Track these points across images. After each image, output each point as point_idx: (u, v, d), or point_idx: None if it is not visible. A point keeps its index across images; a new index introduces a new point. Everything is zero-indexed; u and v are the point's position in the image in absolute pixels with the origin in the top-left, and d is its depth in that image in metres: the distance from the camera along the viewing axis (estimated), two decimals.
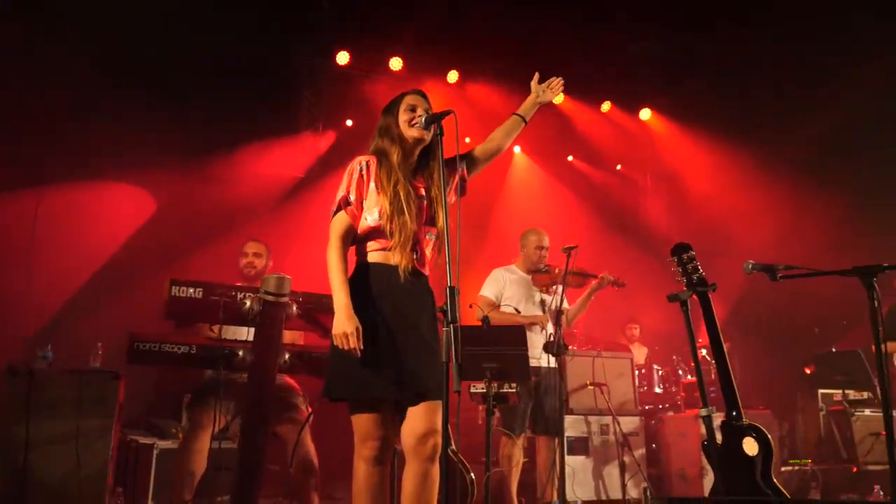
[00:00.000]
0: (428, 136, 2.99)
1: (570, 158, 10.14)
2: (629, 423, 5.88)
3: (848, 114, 7.84)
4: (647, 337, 8.09)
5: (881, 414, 6.76)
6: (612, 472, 5.71)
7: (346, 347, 2.71)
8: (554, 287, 5.09)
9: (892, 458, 3.08)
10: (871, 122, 7.72)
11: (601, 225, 9.35)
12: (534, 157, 10.03)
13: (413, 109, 3.02)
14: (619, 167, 10.17)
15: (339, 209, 2.90)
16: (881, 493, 6.02)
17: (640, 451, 5.86)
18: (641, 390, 6.97)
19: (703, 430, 3.36)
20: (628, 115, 9.70)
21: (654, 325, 8.12)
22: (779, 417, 7.77)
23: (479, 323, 4.57)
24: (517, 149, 10.07)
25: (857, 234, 7.65)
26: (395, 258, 2.83)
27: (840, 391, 6.92)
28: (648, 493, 2.83)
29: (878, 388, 6.69)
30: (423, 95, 3.10)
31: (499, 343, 4.32)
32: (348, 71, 8.45)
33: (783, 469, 6.53)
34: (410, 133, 2.98)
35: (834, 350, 6.92)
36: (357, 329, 2.72)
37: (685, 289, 3.35)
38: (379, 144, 3.00)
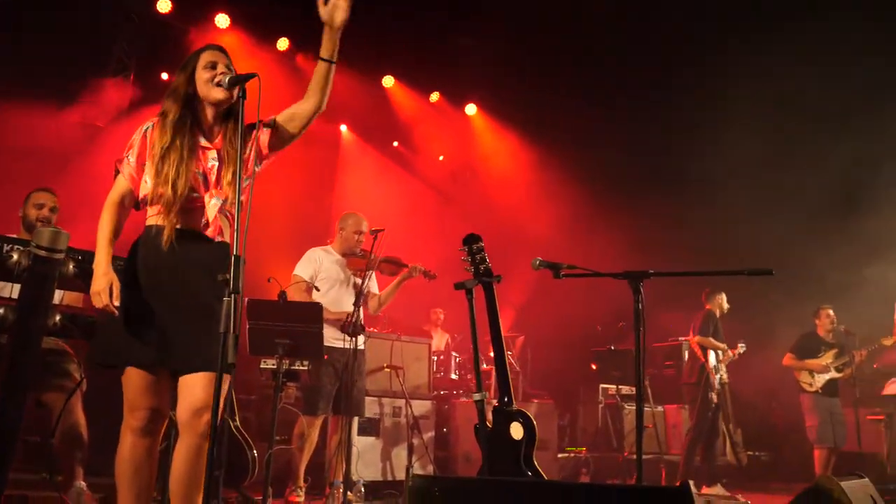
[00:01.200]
0: (229, 98, 2.85)
1: (395, 144, 10.25)
2: (421, 406, 6.06)
3: (656, 128, 8.63)
4: (451, 324, 8.37)
5: (649, 408, 7.51)
6: (400, 453, 5.86)
7: (99, 306, 2.61)
8: (367, 273, 5.14)
9: (640, 444, 3.42)
10: (676, 141, 8.56)
11: (421, 211, 9.54)
12: (362, 139, 10.02)
13: (213, 66, 2.85)
14: (441, 158, 10.40)
15: (117, 171, 2.81)
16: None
17: (429, 434, 6.06)
18: (438, 375, 7.21)
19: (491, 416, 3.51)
20: (454, 107, 9.96)
21: (459, 313, 8.43)
22: (562, 408, 8.38)
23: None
24: (344, 127, 10.01)
25: (651, 242, 8.44)
26: (162, 222, 2.71)
27: (615, 386, 7.58)
28: (410, 472, 2.93)
29: (648, 385, 7.42)
30: (224, 52, 2.93)
31: (294, 319, 4.27)
32: (169, 21, 7.95)
33: (559, 456, 7.05)
34: (212, 93, 2.82)
35: (612, 348, 7.56)
36: (111, 287, 2.61)
37: (472, 278, 3.50)
38: (163, 105, 2.85)
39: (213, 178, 2.80)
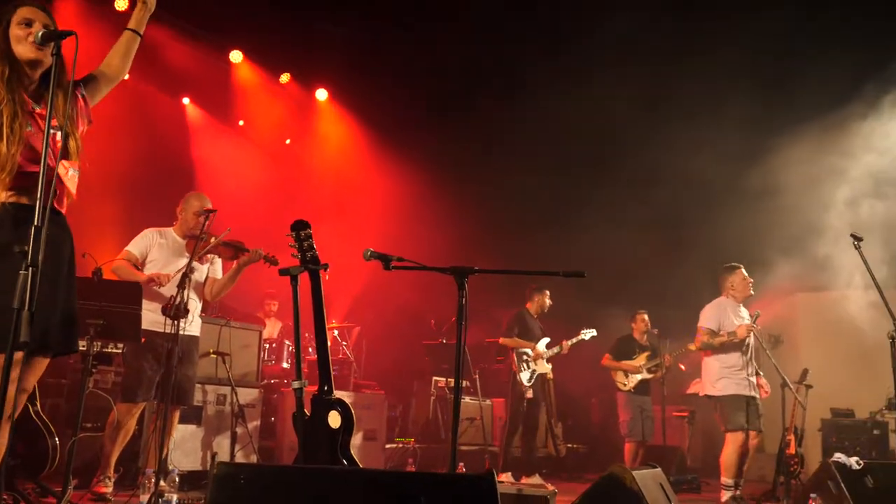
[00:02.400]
0: (45, 57, 2.67)
1: (240, 123, 9.92)
2: (248, 394, 5.91)
3: (499, 128, 8.97)
4: (286, 312, 8.23)
5: (476, 401, 7.78)
6: (222, 442, 5.69)
7: None
8: (209, 256, 4.94)
9: (455, 434, 3.53)
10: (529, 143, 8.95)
11: (267, 195, 9.28)
12: (207, 114, 9.63)
13: (28, 24, 2.68)
14: (287, 141, 10.17)
15: None
16: (464, 468, 6.90)
17: (255, 423, 5.92)
18: (269, 363, 7.07)
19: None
20: (305, 91, 9.79)
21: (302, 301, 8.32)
22: (394, 399, 8.49)
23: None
24: (186, 100, 9.56)
25: (489, 241, 8.78)
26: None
27: (445, 379, 7.79)
28: (215, 459, 2.87)
29: (477, 378, 7.68)
30: (45, 10, 2.76)
31: (109, 298, 4.04)
32: None
33: (388, 446, 7.14)
34: (22, 51, 2.66)
35: (444, 342, 7.76)
36: None
37: (299, 264, 3.48)
38: None
39: (59, 147, 2.63)
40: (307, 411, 3.36)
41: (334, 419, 3.36)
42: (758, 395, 6.12)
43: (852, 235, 4.48)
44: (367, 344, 8.34)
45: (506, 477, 6.79)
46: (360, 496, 2.43)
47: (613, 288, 8.48)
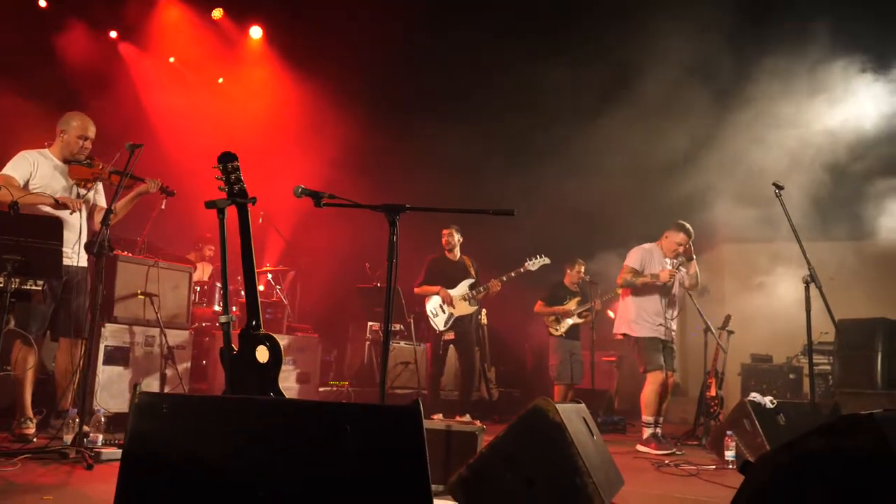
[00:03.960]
0: None
1: (171, 59, 9.56)
2: (178, 336, 5.83)
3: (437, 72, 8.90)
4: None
5: (411, 345, 7.86)
6: (151, 383, 5.62)
7: None
8: (93, 184, 4.74)
9: (384, 373, 3.58)
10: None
11: (197, 133, 9.01)
12: (137, 49, 9.23)
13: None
14: (220, 80, 9.86)
15: None
16: None
17: (185, 365, 5.86)
18: (201, 306, 6.98)
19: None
20: (238, 27, 9.48)
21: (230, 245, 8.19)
22: (329, 343, 8.51)
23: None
24: (114, 34, 9.15)
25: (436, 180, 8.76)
26: None
27: (379, 323, 7.82)
28: (137, 389, 2.83)
29: (412, 323, 7.75)
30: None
31: (27, 233, 3.90)
32: None
33: (321, 389, 7.18)
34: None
35: (378, 285, 7.76)
36: None
37: (226, 197, 3.41)
38: None
39: None
40: (235, 346, 3.34)
41: (262, 354, 3.36)
42: (672, 340, 6.38)
43: (774, 184, 4.64)
44: (302, 288, 8.30)
45: (437, 417, 6.95)
46: (284, 426, 2.45)
47: (564, 231, 8.58)
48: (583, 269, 8.10)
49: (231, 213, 3.47)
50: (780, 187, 4.63)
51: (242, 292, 7.23)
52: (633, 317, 6.31)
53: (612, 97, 8.52)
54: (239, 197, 3.42)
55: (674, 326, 6.45)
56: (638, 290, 6.33)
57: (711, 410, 7.22)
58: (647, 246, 6.50)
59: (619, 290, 6.66)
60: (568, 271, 8.21)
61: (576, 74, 8.80)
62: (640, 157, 8.61)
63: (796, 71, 8.34)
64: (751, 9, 8.32)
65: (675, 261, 6.30)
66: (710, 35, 8.12)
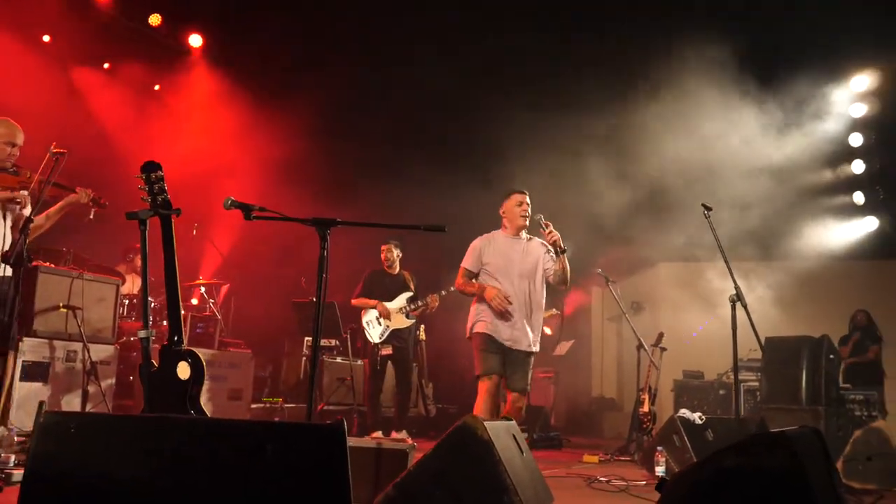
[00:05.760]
0: None
1: (105, 66, 9.27)
2: (102, 351, 5.62)
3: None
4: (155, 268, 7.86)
5: (348, 361, 7.77)
6: (72, 400, 5.40)
7: None
8: (24, 192, 4.54)
9: (311, 391, 3.50)
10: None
11: (131, 142, 8.75)
12: (66, 54, 8.92)
13: None
14: (157, 87, 9.61)
15: None
16: None
17: (109, 382, 5.65)
18: (130, 320, 6.75)
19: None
20: (176, 35, 9.28)
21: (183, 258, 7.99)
22: (264, 359, 8.34)
23: None
24: (47, 38, 8.83)
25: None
26: None
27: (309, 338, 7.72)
28: (42, 407, 2.72)
29: (348, 338, 7.65)
30: None
31: None
32: None
33: (254, 406, 7.01)
34: None
35: (313, 300, 7.62)
36: None
37: (149, 208, 3.30)
38: None
39: None
40: (155, 362, 3.23)
41: (183, 370, 3.25)
42: (527, 349, 5.09)
43: (703, 205, 4.75)
44: (237, 301, 8.11)
45: (375, 435, 6.86)
46: (202, 446, 2.37)
47: None
48: None
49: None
50: (708, 208, 4.73)
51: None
52: (474, 318, 5.16)
53: (544, 108, 8.61)
54: (162, 208, 3.31)
55: (530, 332, 5.09)
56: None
57: (644, 426, 7.32)
58: (486, 234, 5.29)
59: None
60: None
61: (508, 91, 8.91)
62: (574, 174, 8.73)
63: (711, 88, 8.61)
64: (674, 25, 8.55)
65: (527, 238, 5.22)
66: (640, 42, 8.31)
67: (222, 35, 9.36)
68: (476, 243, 5.28)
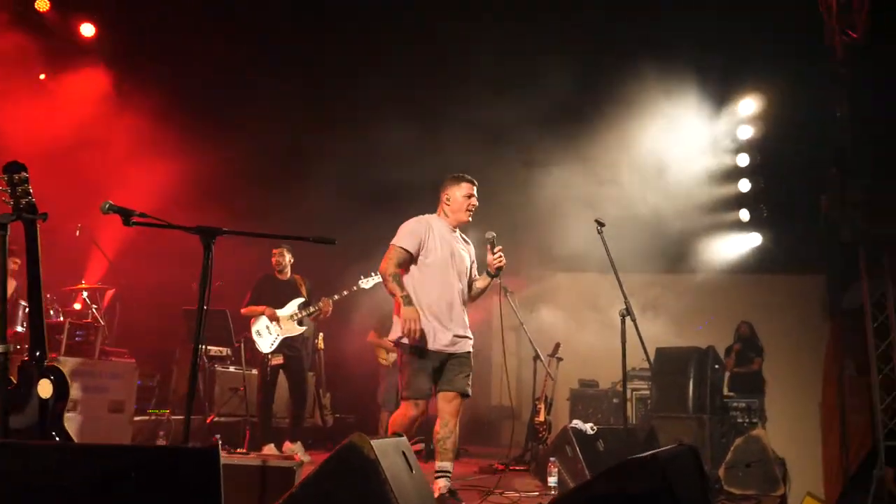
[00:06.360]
0: None
1: None
2: None
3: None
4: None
5: (241, 370, 7.52)
6: None
7: None
8: None
9: (190, 405, 3.33)
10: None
11: (9, 136, 8.17)
12: None
13: None
14: (42, 76, 9.02)
15: None
16: (220, 440, 6.65)
17: None
18: None
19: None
20: (65, 22, 8.76)
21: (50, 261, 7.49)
22: (152, 368, 7.97)
23: None
24: None
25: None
26: None
27: (204, 347, 7.43)
28: None
29: (241, 347, 7.41)
30: None
31: None
32: None
33: (137, 418, 6.65)
34: None
35: (205, 308, 7.33)
36: None
37: (11, 212, 3.06)
38: None
39: None
40: (13, 379, 2.98)
41: (45, 388, 3.01)
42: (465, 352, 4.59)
43: (596, 221, 4.84)
44: (123, 308, 7.70)
45: (268, 448, 6.65)
46: (56, 473, 2.19)
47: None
48: None
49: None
50: (601, 224, 4.83)
51: (51, 311, 6.63)
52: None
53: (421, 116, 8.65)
54: (26, 212, 3.07)
55: (468, 333, 4.59)
56: (420, 281, 4.41)
57: (539, 435, 7.43)
58: (427, 217, 4.54)
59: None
60: None
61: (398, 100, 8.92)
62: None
63: (618, 104, 8.88)
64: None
65: (467, 244, 4.68)
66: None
67: (119, 25, 8.90)
68: (415, 225, 4.45)
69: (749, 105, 10.02)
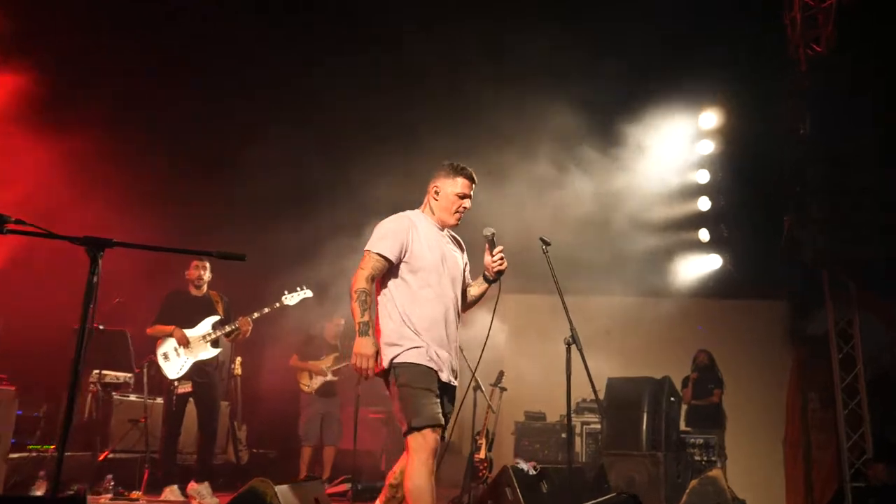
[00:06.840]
0: None
1: None
2: None
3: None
4: None
5: (143, 399, 7.24)
6: None
7: None
8: None
9: (63, 444, 3.13)
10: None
11: None
12: None
13: None
14: None
15: None
16: (112, 480, 6.36)
17: None
18: None
19: None
20: None
21: None
22: (39, 396, 7.59)
23: None
24: None
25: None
26: None
27: (100, 372, 7.12)
28: None
29: (143, 372, 7.13)
30: None
31: None
32: None
33: (14, 455, 6.27)
34: None
35: (101, 328, 7.03)
36: None
37: None
38: None
39: None
40: None
41: None
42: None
43: (540, 239, 4.77)
44: (5, 329, 7.30)
45: (169, 490, 6.36)
46: None
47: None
48: (342, 322, 8.07)
49: None
50: (546, 243, 4.76)
51: None
52: (395, 337, 3.79)
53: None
54: None
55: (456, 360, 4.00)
56: (407, 294, 3.87)
57: (480, 474, 7.31)
58: (408, 215, 4.05)
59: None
60: (327, 324, 8.15)
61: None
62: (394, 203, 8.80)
63: (584, 124, 8.95)
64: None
65: (457, 249, 4.20)
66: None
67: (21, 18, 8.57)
68: (394, 225, 3.92)
69: (710, 118, 10.17)
